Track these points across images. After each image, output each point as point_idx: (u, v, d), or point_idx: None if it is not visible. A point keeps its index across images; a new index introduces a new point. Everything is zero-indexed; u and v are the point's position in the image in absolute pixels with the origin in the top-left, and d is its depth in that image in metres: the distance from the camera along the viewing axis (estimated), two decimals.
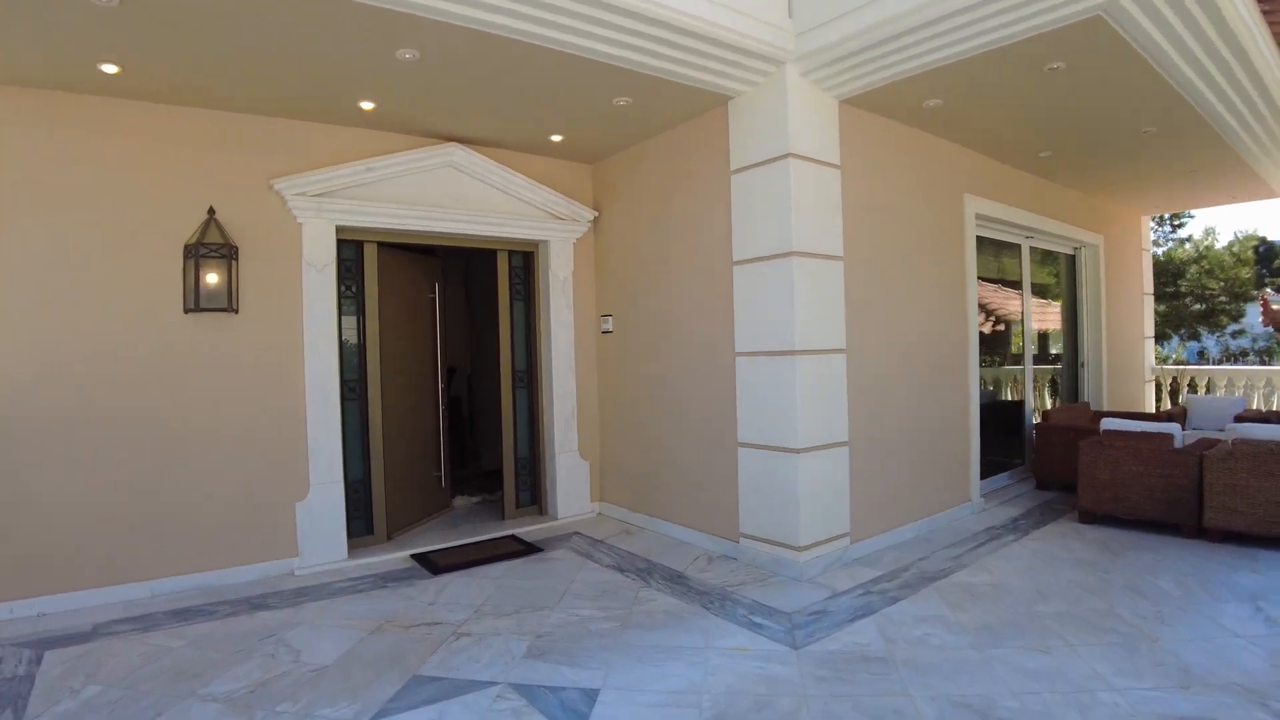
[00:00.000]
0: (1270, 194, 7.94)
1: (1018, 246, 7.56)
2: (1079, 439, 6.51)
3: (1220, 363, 14.80)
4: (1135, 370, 9.66)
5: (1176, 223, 17.06)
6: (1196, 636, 3.57)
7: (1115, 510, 5.43)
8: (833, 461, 4.85)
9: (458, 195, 5.57)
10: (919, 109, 5.11)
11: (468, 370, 8.98)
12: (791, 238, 4.59)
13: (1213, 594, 4.12)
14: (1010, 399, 7.76)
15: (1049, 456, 6.83)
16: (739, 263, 4.92)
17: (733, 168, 4.95)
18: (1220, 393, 9.57)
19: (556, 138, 5.61)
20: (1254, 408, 8.79)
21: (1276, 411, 7.35)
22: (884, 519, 5.28)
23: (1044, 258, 8.31)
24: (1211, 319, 15.31)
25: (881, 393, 5.28)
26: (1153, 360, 10.31)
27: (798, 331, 4.61)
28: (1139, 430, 5.38)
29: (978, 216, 6.40)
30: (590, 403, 6.36)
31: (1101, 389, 8.60)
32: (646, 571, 4.77)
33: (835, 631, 3.75)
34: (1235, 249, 15.34)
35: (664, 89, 4.61)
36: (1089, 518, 5.60)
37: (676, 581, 4.57)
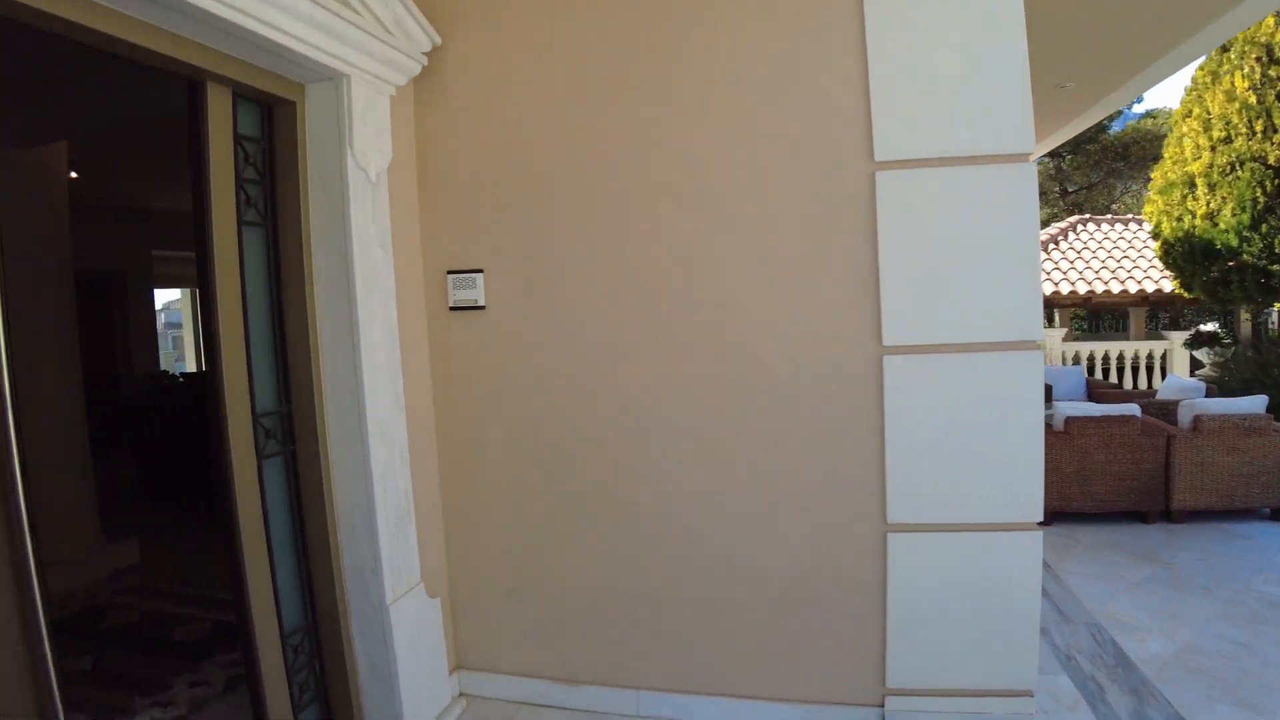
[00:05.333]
0: None
1: None
2: None
3: None
4: None
5: None
6: None
7: (1084, 506, 4.75)
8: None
9: None
10: None
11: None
12: (1021, 121, 2.40)
13: None
14: None
15: None
16: (893, 166, 2.46)
17: None
18: None
19: None
20: None
21: None
22: None
23: None
24: None
25: None
26: None
27: (1032, 303, 2.47)
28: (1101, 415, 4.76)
29: None
30: (427, 467, 2.88)
31: None
32: None
33: None
34: None
35: None
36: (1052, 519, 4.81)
37: None
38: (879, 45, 2.44)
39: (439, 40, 2.73)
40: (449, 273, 2.81)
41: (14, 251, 4.05)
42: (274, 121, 2.46)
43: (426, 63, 2.73)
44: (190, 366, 10.77)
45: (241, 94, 2.32)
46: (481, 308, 2.79)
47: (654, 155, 2.62)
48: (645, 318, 2.66)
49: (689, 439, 2.68)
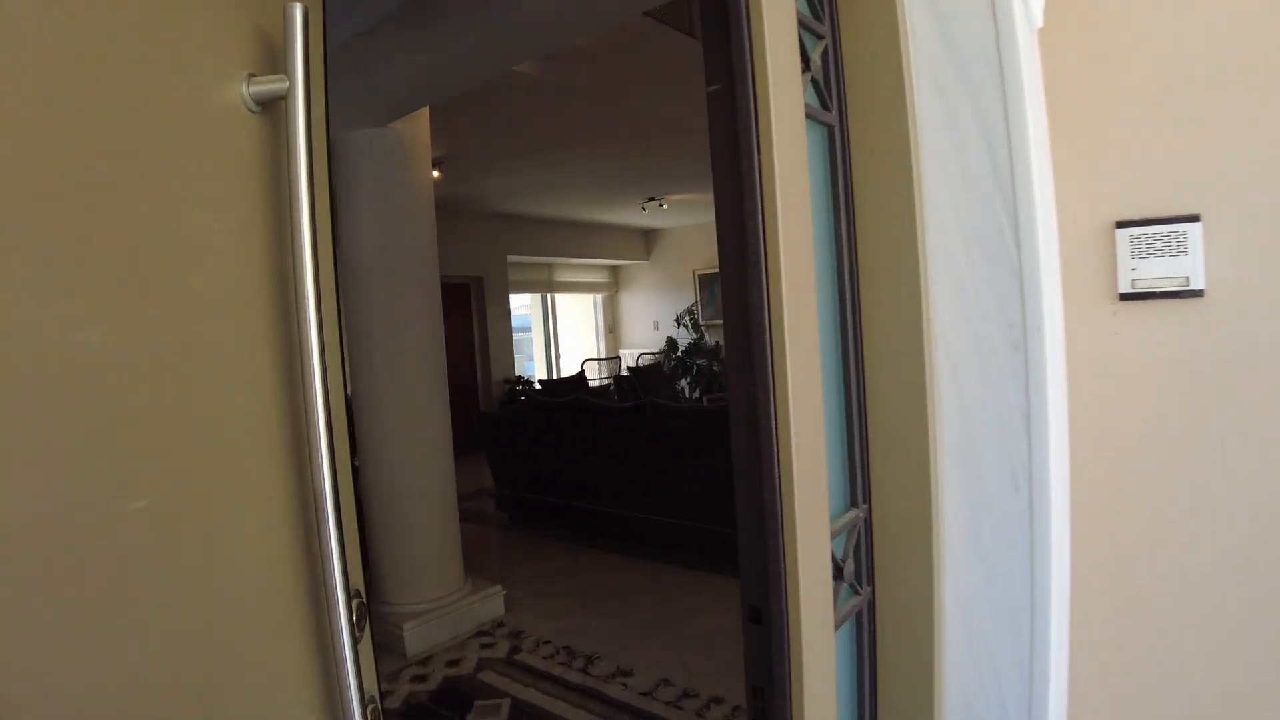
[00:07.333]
0: None
1: None
2: None
3: None
4: None
5: None
6: None
7: None
8: None
9: None
10: None
11: None
12: None
13: None
14: None
15: None
16: None
17: None
18: None
19: None
20: None
21: None
22: None
23: None
24: None
25: None
26: None
27: None
28: None
29: None
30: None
31: None
32: None
33: None
34: None
35: None
36: None
37: None
38: None
39: None
40: (1119, 225, 1.39)
41: (381, 252, 3.51)
42: None
43: None
44: (540, 372, 10.82)
45: None
46: (1196, 293, 1.33)
47: None
48: None
49: None
